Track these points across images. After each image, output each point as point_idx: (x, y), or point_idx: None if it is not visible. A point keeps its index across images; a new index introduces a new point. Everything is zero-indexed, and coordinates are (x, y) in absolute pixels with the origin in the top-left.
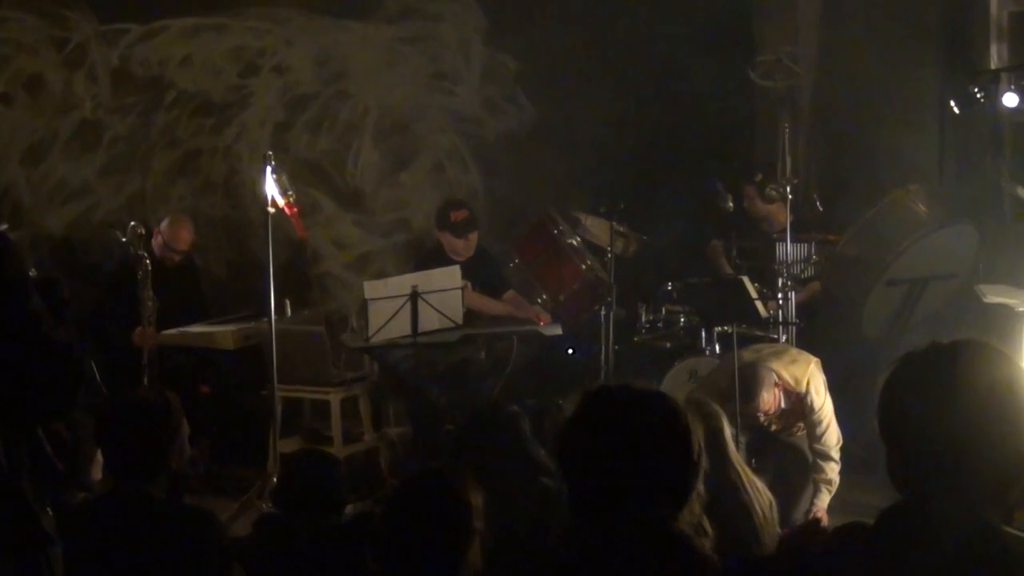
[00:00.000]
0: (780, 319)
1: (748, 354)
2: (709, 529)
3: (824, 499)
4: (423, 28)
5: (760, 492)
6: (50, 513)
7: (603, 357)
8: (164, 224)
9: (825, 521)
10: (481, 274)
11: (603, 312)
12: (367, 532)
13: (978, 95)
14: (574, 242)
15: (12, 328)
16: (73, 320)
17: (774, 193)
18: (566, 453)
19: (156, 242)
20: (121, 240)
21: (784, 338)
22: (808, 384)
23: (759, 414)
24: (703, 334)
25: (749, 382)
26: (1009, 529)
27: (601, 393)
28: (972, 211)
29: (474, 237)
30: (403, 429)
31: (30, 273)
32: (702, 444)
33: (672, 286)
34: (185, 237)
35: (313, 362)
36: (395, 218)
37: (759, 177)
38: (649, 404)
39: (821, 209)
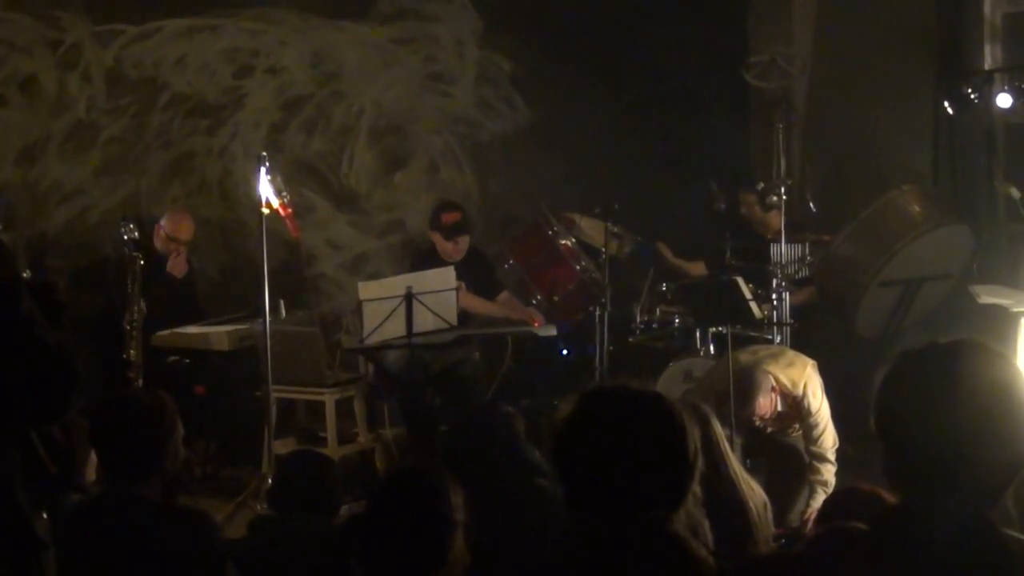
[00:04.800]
0: (774, 320)
1: (745, 356)
2: (705, 530)
3: (820, 500)
4: (418, 29)
5: (755, 492)
6: (44, 517)
7: (598, 358)
8: (164, 219)
9: None
10: (475, 276)
11: (598, 313)
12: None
13: (972, 96)
14: (568, 243)
15: (3, 330)
16: (73, 323)
17: (774, 201)
18: (561, 454)
19: (158, 237)
20: (125, 238)
21: (778, 339)
22: (805, 387)
23: (755, 418)
24: (698, 335)
25: (746, 386)
26: (1005, 530)
27: (597, 394)
28: (966, 212)
29: (464, 241)
30: (398, 430)
31: (24, 275)
32: (698, 445)
33: (667, 287)
34: (188, 226)
35: (308, 363)
36: (390, 219)
37: (761, 185)
38: (645, 405)
39: (815, 210)
